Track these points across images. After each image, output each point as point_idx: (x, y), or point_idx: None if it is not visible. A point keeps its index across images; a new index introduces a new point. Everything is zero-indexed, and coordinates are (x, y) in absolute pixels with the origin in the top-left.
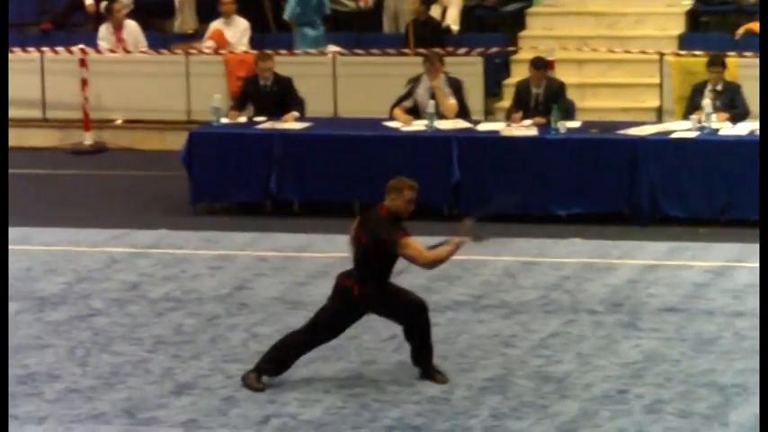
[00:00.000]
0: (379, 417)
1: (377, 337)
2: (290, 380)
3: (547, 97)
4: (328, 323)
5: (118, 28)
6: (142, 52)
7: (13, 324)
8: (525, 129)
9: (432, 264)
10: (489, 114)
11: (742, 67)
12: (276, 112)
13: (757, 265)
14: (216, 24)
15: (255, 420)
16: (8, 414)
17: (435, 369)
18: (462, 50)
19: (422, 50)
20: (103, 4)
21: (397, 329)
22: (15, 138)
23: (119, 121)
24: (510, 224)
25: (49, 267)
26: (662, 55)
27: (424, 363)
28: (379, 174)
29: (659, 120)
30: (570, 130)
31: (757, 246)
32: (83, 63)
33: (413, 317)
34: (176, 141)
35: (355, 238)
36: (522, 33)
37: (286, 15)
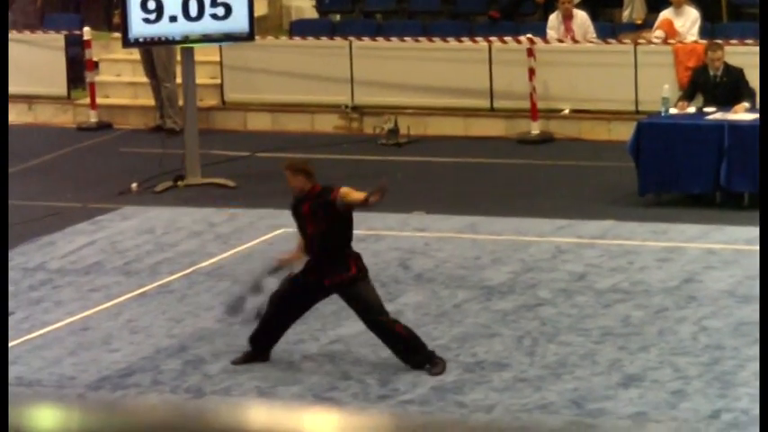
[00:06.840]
0: None
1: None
2: (740, 375)
3: None
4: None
5: (567, 17)
6: (590, 42)
7: (461, 312)
8: None
9: None
10: None
11: None
12: (726, 103)
13: None
14: (665, 14)
15: (705, 414)
16: (8, 413)
17: None
18: None
19: None
20: None
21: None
22: (462, 127)
23: (566, 111)
24: None
25: (495, 256)
26: None
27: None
28: None
29: None
30: None
31: None
32: (530, 53)
33: None
34: (623, 132)
35: None
36: None
37: None
